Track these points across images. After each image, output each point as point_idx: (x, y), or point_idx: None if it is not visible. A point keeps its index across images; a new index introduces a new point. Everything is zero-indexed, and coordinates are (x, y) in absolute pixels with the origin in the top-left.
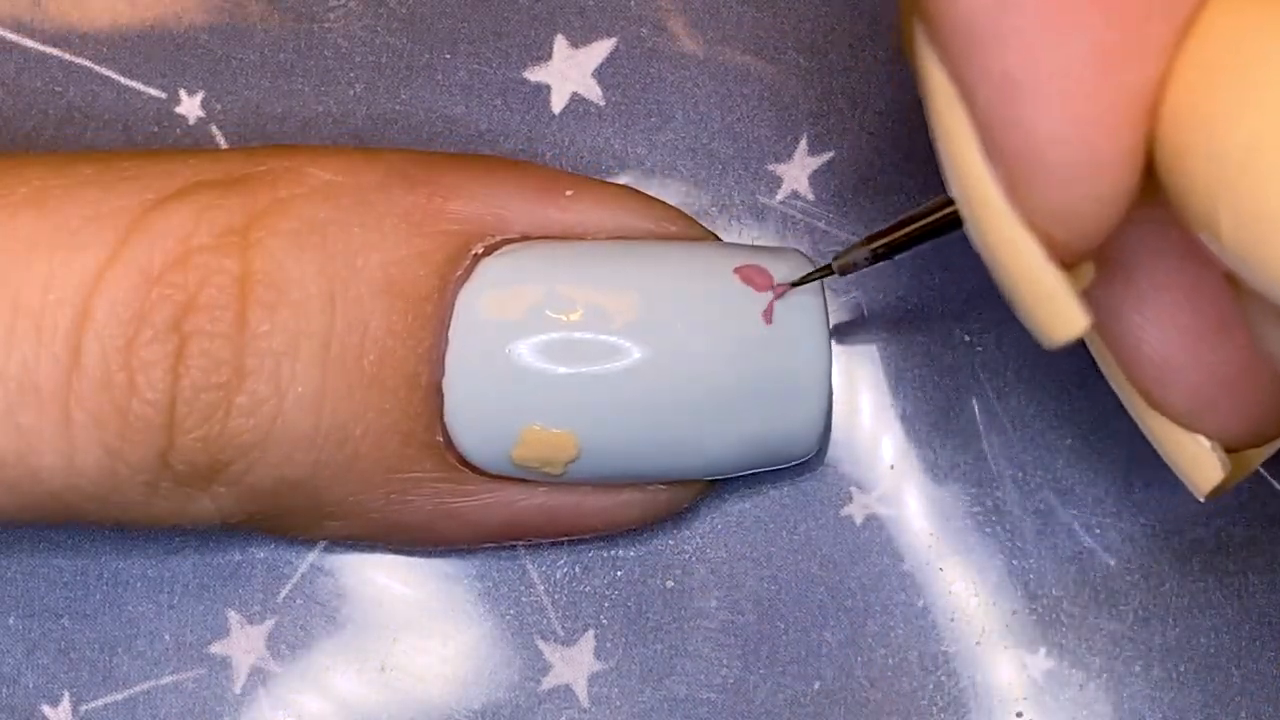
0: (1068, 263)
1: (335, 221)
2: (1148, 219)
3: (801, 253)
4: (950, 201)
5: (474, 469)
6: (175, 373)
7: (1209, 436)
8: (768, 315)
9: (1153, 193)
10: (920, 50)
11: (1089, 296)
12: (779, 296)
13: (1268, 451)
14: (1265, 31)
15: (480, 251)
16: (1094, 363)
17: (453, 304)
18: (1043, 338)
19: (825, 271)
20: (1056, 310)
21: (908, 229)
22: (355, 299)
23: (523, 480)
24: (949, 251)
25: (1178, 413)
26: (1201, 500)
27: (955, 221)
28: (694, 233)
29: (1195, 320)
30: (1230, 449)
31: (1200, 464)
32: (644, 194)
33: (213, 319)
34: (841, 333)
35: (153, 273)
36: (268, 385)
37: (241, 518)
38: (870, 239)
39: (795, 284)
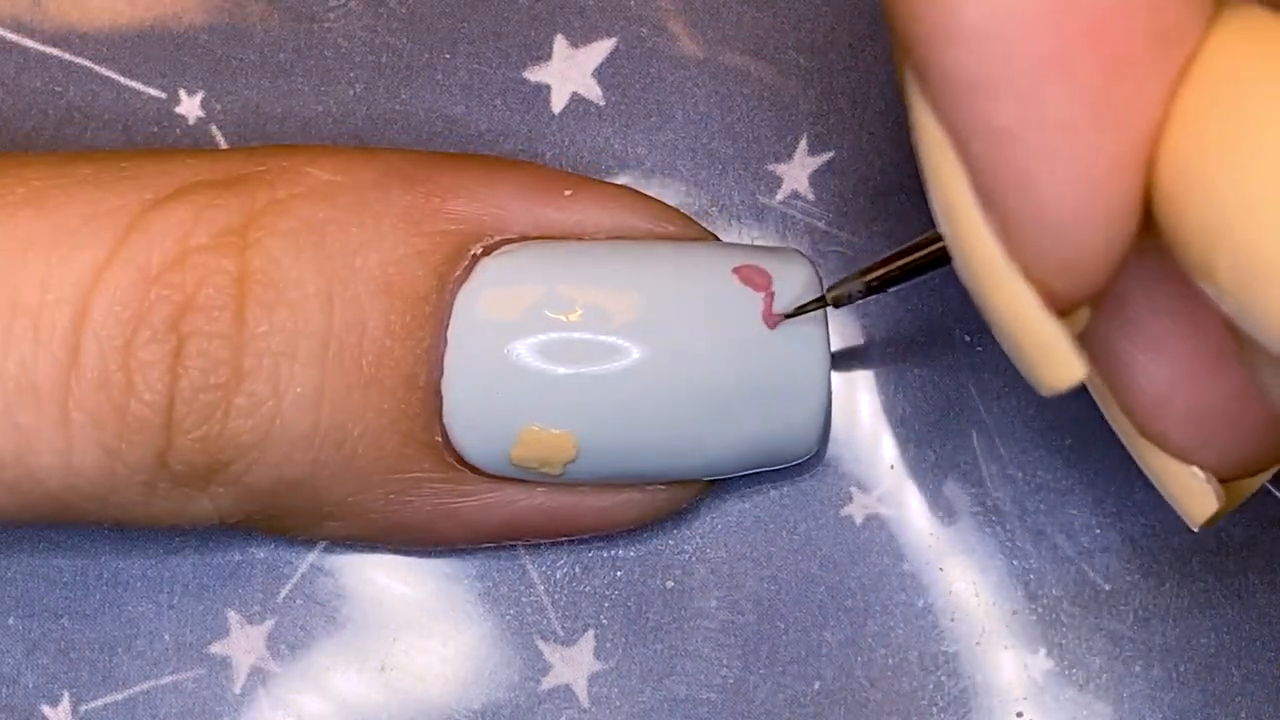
0: (1064, 310)
1: (333, 221)
2: (1142, 251)
3: (801, 252)
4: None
5: (473, 469)
6: (174, 373)
7: (1204, 468)
8: (766, 316)
9: (1148, 228)
10: (913, 99)
11: (1084, 330)
12: (774, 326)
13: (1260, 480)
14: (1259, 77)
15: (479, 252)
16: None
17: (451, 304)
18: (1039, 386)
19: (819, 303)
20: (1053, 359)
21: (902, 262)
22: (353, 299)
23: (522, 480)
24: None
25: (1174, 445)
26: (1195, 531)
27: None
28: (693, 233)
29: (1191, 353)
30: (1225, 479)
31: (1195, 495)
32: (643, 194)
33: (211, 319)
34: (841, 333)
35: (151, 272)
36: (266, 386)
37: (240, 518)
38: (865, 271)
39: (789, 315)
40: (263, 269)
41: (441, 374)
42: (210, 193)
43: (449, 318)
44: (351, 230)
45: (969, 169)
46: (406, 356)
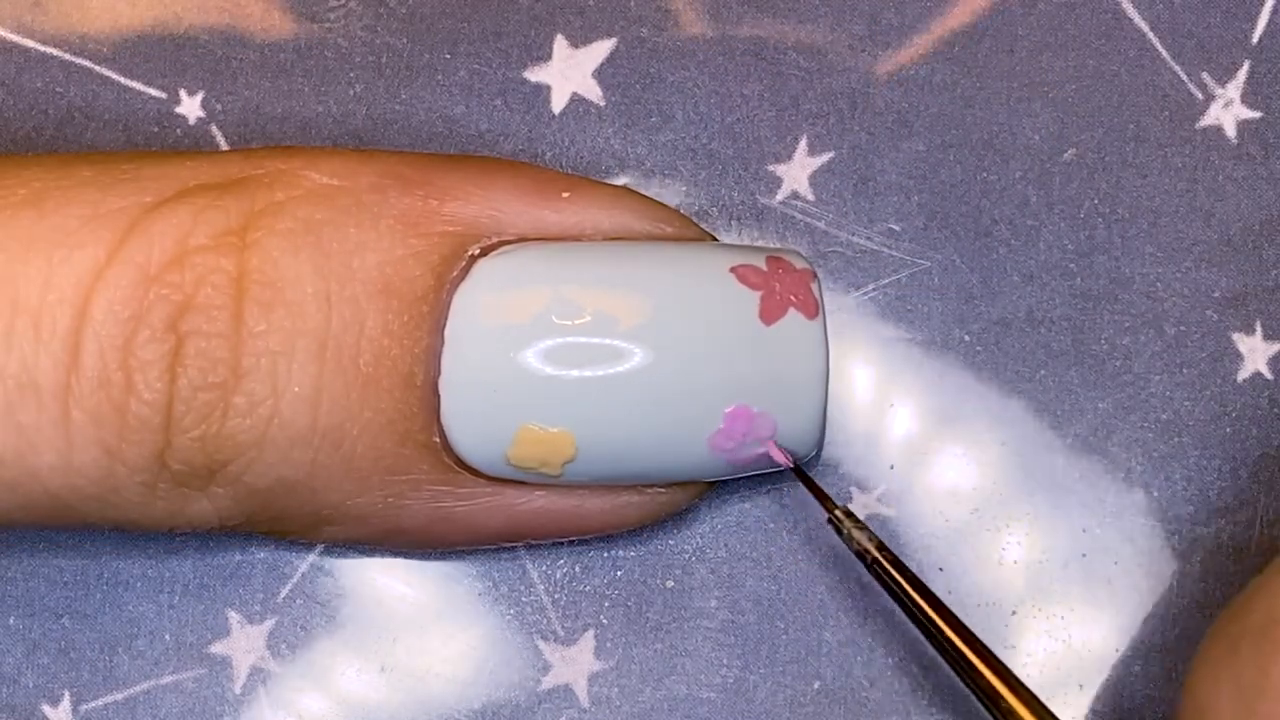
0: None
1: (331, 222)
2: None
3: (800, 253)
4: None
5: (472, 471)
6: (172, 372)
7: None
8: (765, 316)
9: None
10: None
11: None
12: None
13: None
14: None
15: (477, 252)
16: (1095, 365)
17: (449, 304)
18: None
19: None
20: None
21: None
22: (351, 299)
23: (521, 483)
24: (947, 251)
25: None
26: None
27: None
28: (691, 233)
29: None
30: None
31: None
32: (641, 194)
33: (209, 319)
34: (841, 333)
35: (150, 272)
36: (264, 385)
37: (240, 520)
38: (883, 552)
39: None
40: (260, 268)
41: (439, 373)
42: (209, 195)
43: (446, 317)
44: (349, 231)
45: None
46: (404, 356)
